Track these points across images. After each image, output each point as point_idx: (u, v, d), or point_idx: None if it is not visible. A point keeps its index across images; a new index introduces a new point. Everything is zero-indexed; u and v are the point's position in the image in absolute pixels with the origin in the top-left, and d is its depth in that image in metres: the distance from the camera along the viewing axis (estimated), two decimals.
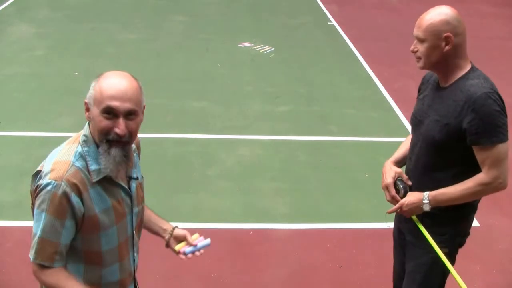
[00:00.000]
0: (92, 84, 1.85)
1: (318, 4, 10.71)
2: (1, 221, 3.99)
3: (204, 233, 3.92)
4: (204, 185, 4.52)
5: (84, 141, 1.87)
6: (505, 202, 4.48)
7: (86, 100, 1.86)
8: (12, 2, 9.86)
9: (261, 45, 8.04)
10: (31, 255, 1.87)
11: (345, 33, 8.82)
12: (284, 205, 4.33)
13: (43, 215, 1.82)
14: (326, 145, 5.28)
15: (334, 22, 9.48)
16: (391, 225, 4.16)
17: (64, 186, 1.80)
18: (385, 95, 6.48)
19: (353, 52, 8.02)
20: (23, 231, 3.89)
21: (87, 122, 1.90)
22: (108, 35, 8.28)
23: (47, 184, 1.81)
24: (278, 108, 6.00)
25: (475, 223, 4.21)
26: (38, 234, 1.84)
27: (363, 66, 7.43)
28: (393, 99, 6.34)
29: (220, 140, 5.25)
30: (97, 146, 1.85)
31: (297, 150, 5.14)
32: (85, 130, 1.90)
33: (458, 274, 3.69)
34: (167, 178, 4.57)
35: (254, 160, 4.89)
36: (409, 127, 5.65)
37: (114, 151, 1.82)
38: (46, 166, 1.87)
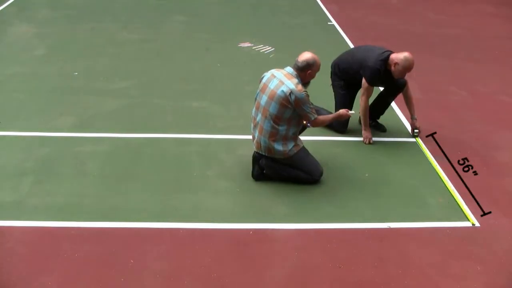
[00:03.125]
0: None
1: (318, 4, 10.71)
2: (1, 221, 3.98)
3: (204, 233, 3.94)
4: (204, 185, 4.52)
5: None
6: (505, 202, 4.48)
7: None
8: (12, 2, 9.86)
9: (261, 45, 8.05)
10: (312, 117, 4.37)
11: (345, 33, 8.83)
12: (284, 205, 4.33)
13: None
14: (326, 145, 5.28)
15: (334, 22, 9.48)
16: (391, 225, 4.19)
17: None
18: None
19: None
20: (23, 231, 3.90)
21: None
22: (108, 35, 8.28)
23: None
24: None
25: (475, 223, 4.23)
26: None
27: None
28: None
29: (220, 140, 5.25)
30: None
31: None
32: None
33: (458, 274, 3.70)
34: (167, 178, 4.57)
35: None
36: (409, 127, 5.68)
37: None
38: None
